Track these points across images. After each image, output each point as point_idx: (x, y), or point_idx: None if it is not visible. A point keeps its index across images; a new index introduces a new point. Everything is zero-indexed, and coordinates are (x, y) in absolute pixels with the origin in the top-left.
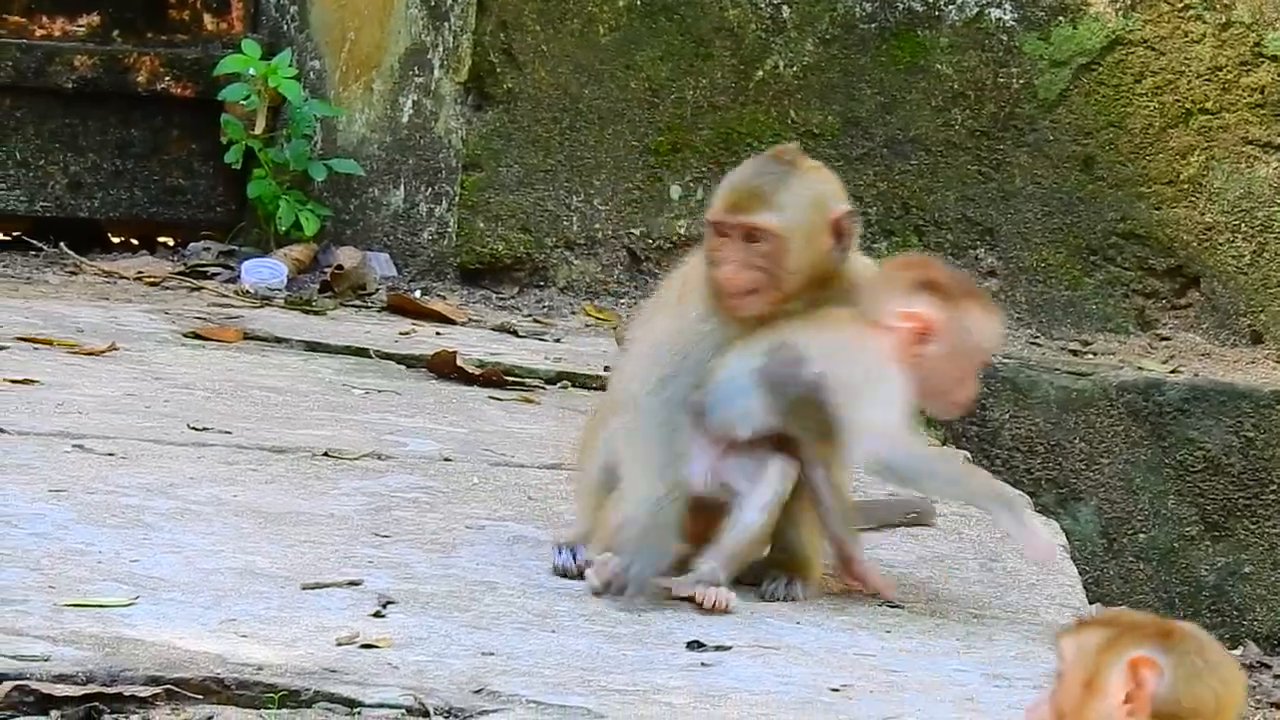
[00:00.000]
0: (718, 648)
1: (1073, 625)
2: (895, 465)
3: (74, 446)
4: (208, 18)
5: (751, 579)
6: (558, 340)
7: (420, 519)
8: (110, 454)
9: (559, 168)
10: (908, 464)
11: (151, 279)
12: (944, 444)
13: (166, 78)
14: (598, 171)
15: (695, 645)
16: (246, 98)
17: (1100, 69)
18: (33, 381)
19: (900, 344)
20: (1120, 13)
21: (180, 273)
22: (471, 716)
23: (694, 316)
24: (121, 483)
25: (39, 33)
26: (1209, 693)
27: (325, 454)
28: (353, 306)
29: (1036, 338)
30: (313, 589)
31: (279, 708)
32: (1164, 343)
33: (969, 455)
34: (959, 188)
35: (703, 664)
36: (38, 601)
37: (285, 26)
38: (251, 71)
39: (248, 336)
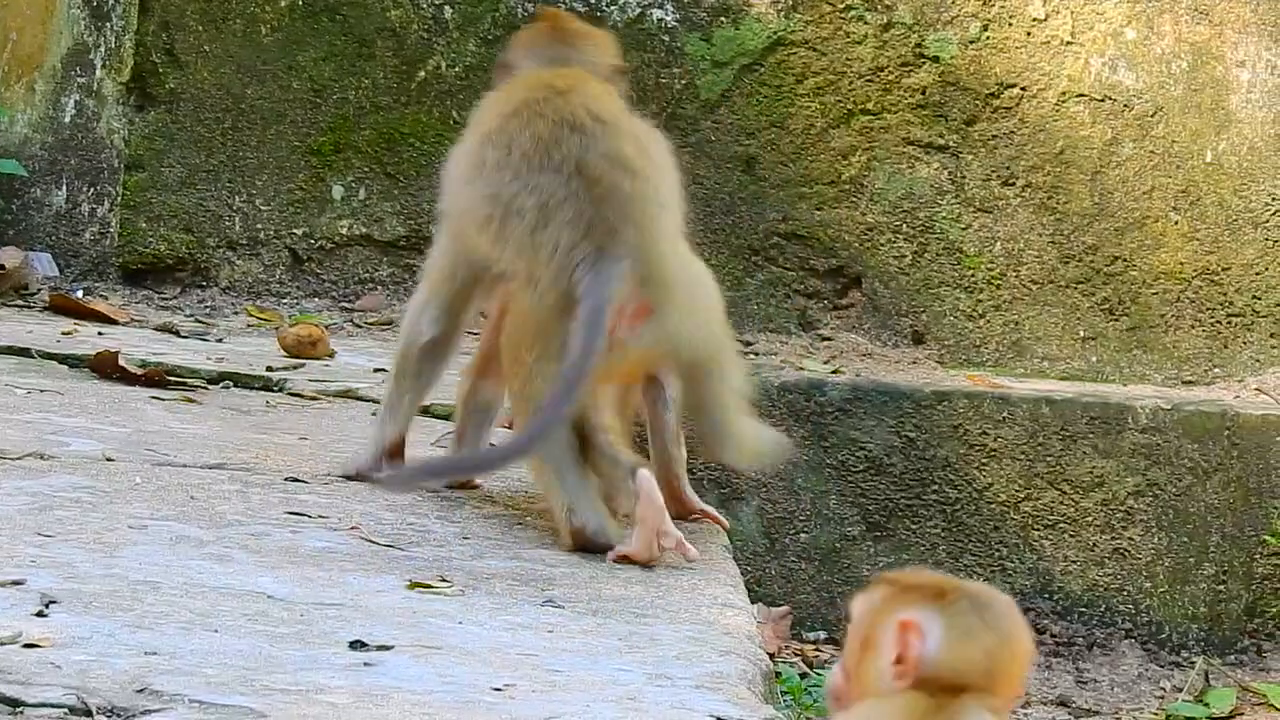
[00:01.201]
0: (380, 647)
1: (868, 584)
2: None
3: None
4: None
5: None
6: (220, 340)
7: (83, 519)
8: None
9: (221, 168)
10: None
11: None
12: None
13: None
14: (260, 172)
15: (358, 645)
16: None
17: (762, 70)
18: None
19: None
20: (782, 14)
21: None
22: (134, 716)
23: None
24: None
25: None
26: (979, 652)
27: None
28: (15, 306)
29: None
30: None
31: None
32: (825, 343)
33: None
34: None
35: (365, 664)
36: None
37: None
38: None
39: None
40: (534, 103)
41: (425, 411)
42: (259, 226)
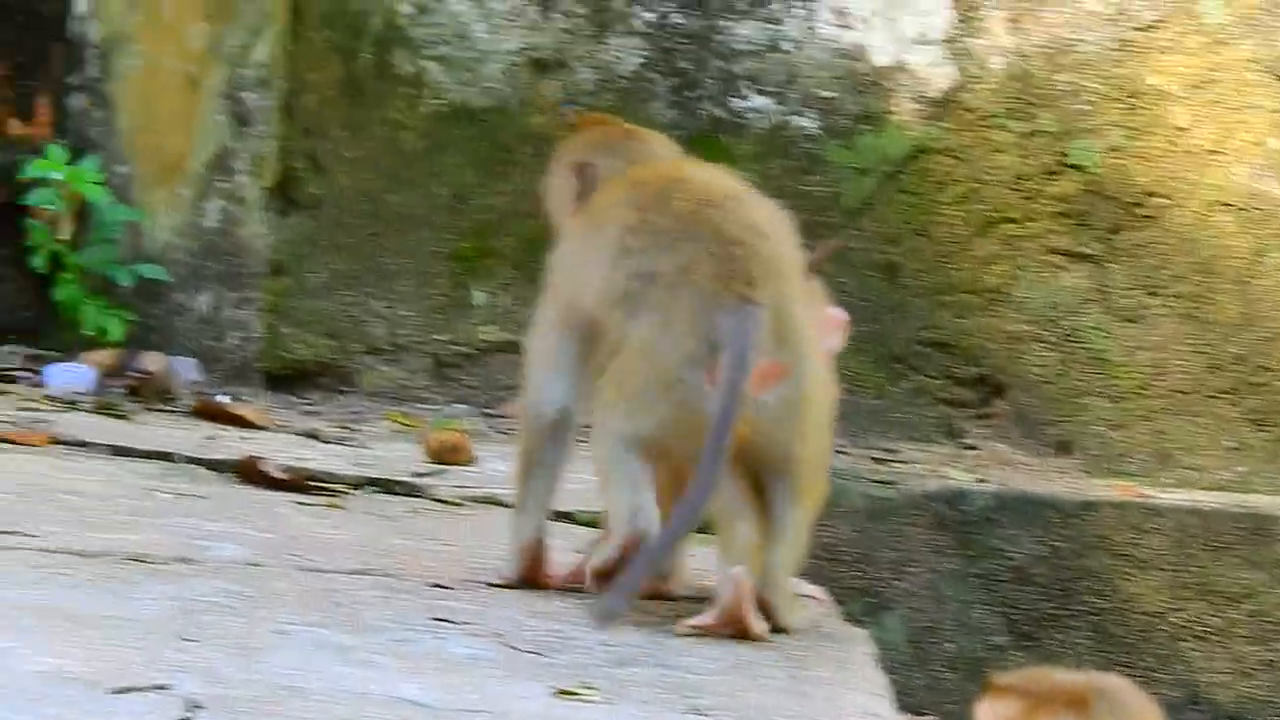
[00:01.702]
0: None
1: (987, 688)
2: None
3: None
4: (13, 122)
5: None
6: (362, 446)
7: (227, 623)
8: None
9: (363, 273)
10: None
11: None
12: None
13: None
14: (402, 277)
15: None
16: (52, 202)
17: (905, 177)
18: None
19: None
20: (924, 121)
21: None
22: None
23: None
24: None
25: None
26: None
27: (132, 558)
28: (159, 411)
29: (843, 446)
30: (121, 693)
31: None
32: (970, 452)
33: None
34: None
35: None
36: None
37: (91, 131)
38: (57, 176)
39: (54, 440)
40: (666, 190)
41: (566, 517)
42: (402, 332)
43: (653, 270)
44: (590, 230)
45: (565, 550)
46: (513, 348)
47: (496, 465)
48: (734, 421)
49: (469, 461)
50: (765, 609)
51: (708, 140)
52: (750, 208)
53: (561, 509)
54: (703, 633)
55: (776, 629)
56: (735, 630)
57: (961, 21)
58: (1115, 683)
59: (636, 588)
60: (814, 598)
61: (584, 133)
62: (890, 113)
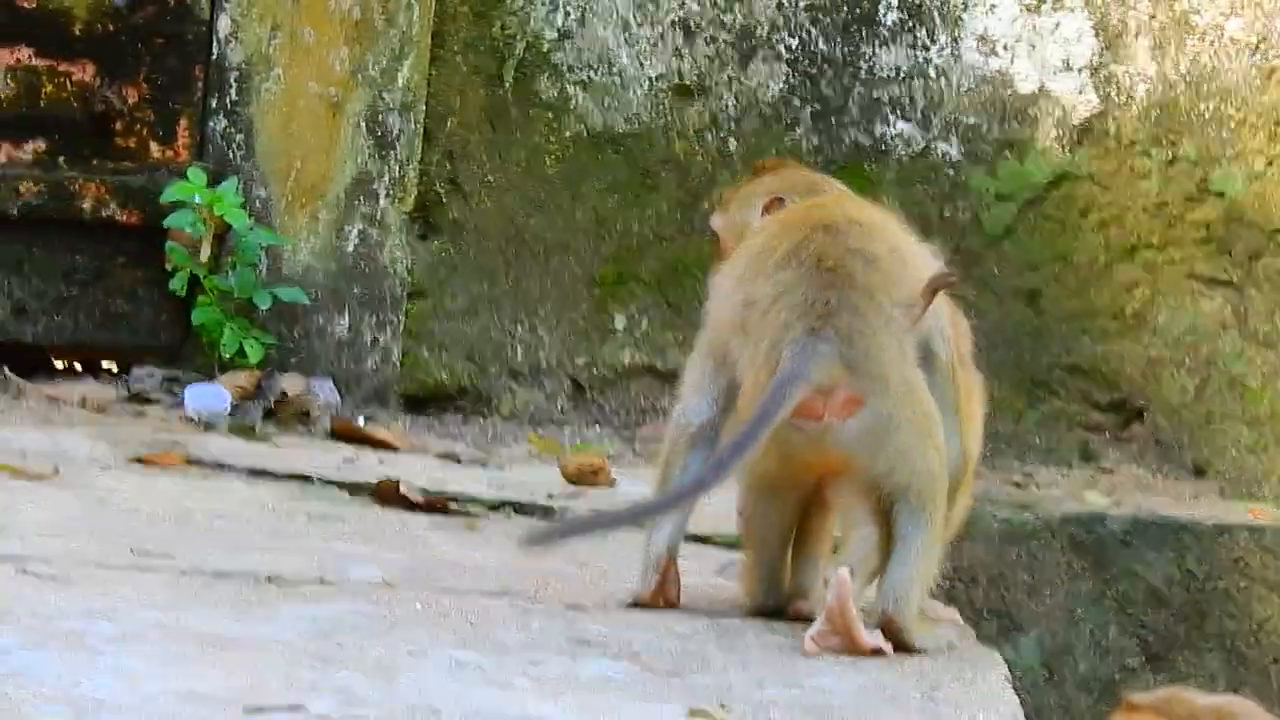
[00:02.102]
0: None
1: (1121, 706)
2: None
3: (17, 570)
4: (154, 145)
5: None
6: (501, 468)
7: (363, 644)
8: (53, 577)
9: (503, 297)
10: None
11: (95, 404)
12: None
13: (112, 204)
14: (542, 301)
15: None
16: (192, 225)
17: (1046, 204)
18: None
19: None
20: (1067, 148)
21: (124, 398)
22: None
23: None
24: (64, 606)
25: None
26: None
27: (268, 579)
28: (296, 433)
29: (979, 470)
30: (255, 713)
31: None
32: (1107, 475)
33: None
34: None
35: None
36: None
37: (231, 155)
38: (197, 199)
39: (191, 462)
40: (799, 218)
41: (703, 540)
42: (540, 355)
43: (755, 297)
44: (735, 257)
45: (702, 572)
46: (652, 372)
47: (635, 488)
48: (747, 448)
49: (608, 484)
50: (891, 629)
51: (850, 166)
52: (873, 237)
53: (700, 532)
54: (821, 645)
55: (901, 648)
56: (842, 637)
57: (1105, 49)
58: (1248, 707)
59: (582, 534)
60: (948, 619)
61: (774, 173)
62: (1033, 139)
